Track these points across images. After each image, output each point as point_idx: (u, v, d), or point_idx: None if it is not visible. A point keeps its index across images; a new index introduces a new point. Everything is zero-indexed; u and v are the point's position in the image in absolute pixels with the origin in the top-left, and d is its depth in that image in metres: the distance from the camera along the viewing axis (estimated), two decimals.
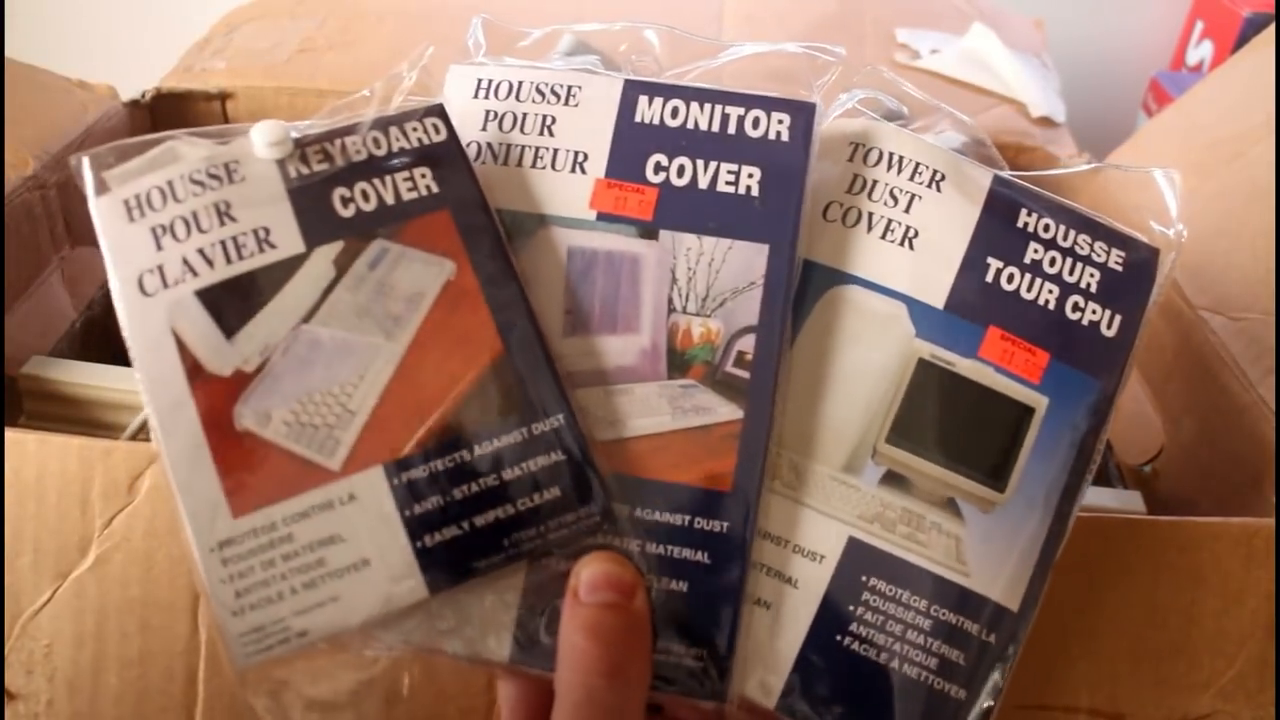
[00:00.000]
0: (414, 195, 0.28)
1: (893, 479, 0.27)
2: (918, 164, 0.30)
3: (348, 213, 0.27)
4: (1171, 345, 0.44)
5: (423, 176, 0.28)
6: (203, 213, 0.26)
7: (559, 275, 0.28)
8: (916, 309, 0.28)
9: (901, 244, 0.29)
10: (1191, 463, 0.42)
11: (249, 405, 0.25)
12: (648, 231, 0.29)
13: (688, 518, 0.26)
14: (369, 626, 0.25)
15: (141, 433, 0.39)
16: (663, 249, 0.28)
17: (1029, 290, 0.29)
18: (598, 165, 0.29)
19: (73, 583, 0.29)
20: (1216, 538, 0.31)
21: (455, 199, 0.28)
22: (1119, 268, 0.29)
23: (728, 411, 0.27)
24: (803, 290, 0.29)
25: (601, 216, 0.29)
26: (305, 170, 0.27)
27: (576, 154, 0.29)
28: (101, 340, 0.48)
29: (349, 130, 0.28)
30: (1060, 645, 0.29)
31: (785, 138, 0.29)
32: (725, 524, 0.26)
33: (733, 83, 0.31)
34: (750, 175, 0.29)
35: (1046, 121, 0.58)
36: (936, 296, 0.29)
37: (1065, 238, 0.29)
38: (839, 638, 0.27)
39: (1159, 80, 0.84)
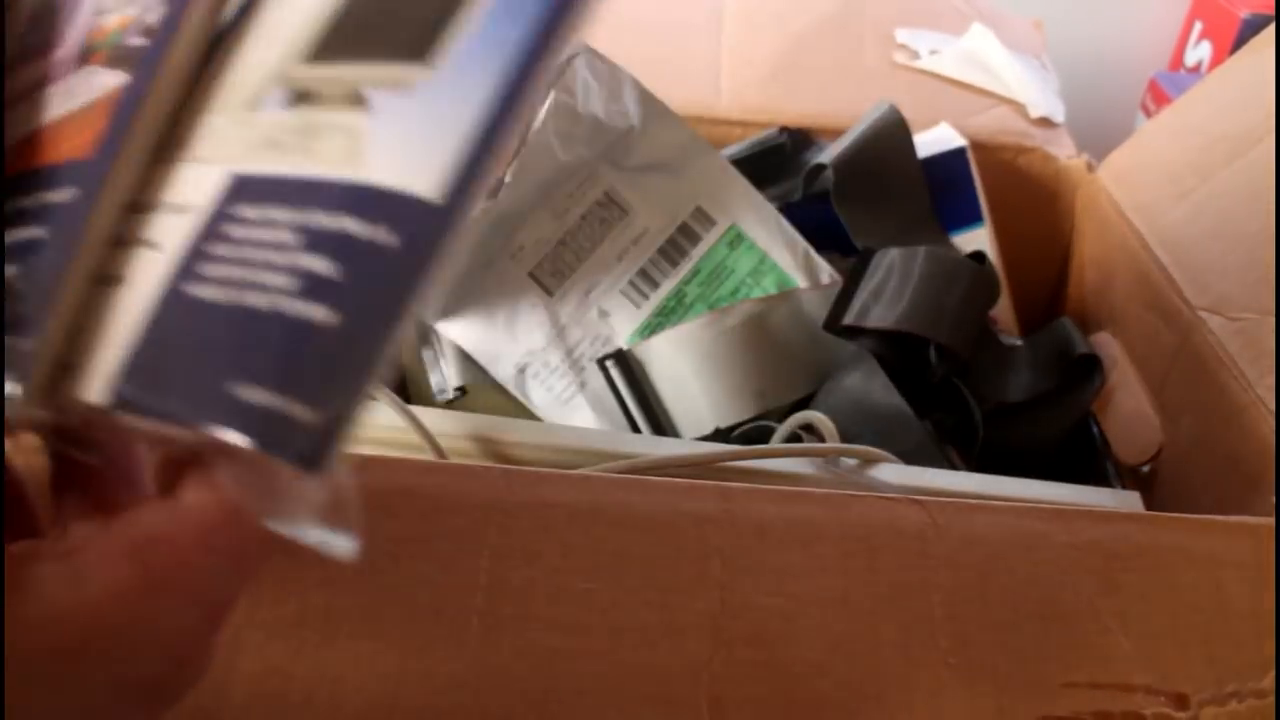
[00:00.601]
0: None
1: (301, 98, 0.22)
2: None
3: None
4: (1171, 345, 0.44)
5: None
6: None
7: None
8: None
9: None
10: (1191, 463, 0.42)
11: None
12: None
13: (38, 195, 0.22)
14: None
15: None
16: None
17: None
18: None
19: None
20: (1220, 532, 0.31)
21: None
22: None
23: (115, 81, 0.22)
24: None
25: None
26: None
27: None
28: None
29: None
30: (1096, 625, 0.29)
31: None
32: (71, 194, 0.21)
33: None
34: None
35: (1045, 122, 0.58)
36: None
37: None
38: (191, 293, 0.20)
39: (1158, 81, 0.84)
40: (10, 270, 0.22)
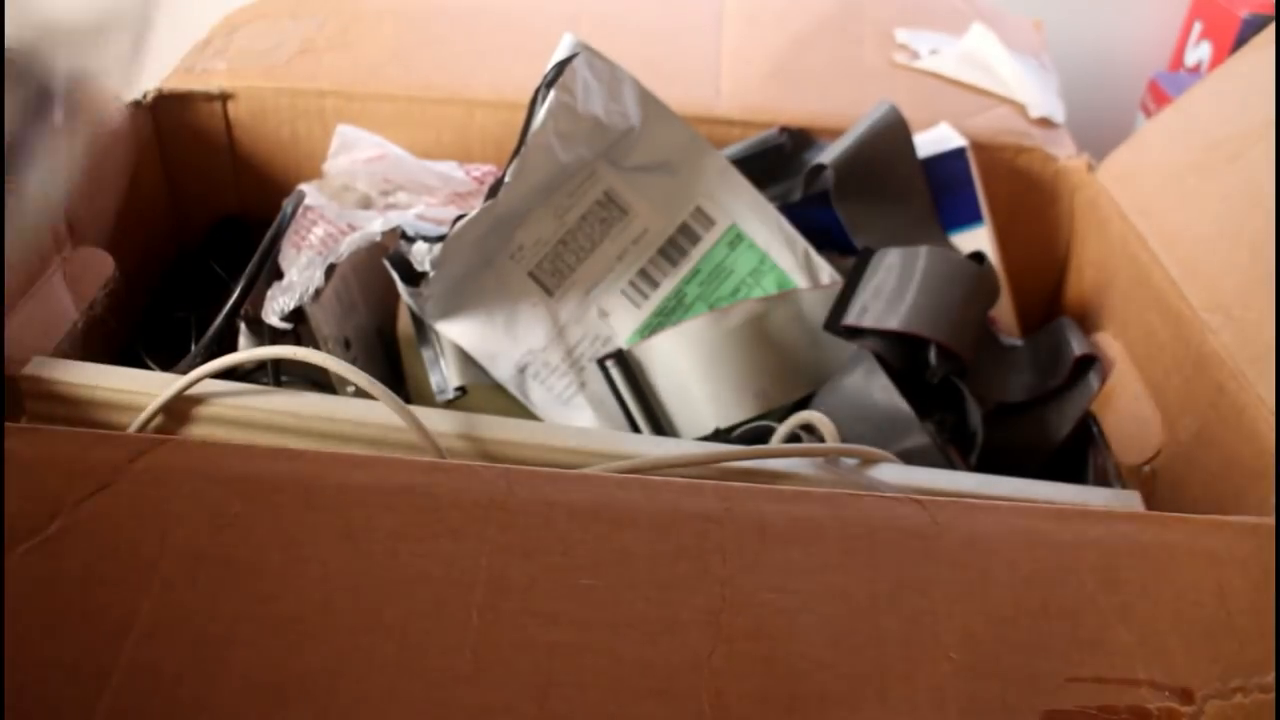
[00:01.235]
0: None
1: None
2: None
3: None
4: (1170, 345, 0.44)
5: None
6: None
7: None
8: None
9: None
10: (1191, 463, 0.42)
11: None
12: None
13: None
14: None
15: (147, 429, 0.39)
16: None
17: None
18: None
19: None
20: (1221, 531, 0.31)
21: None
22: None
23: None
24: None
25: None
26: None
27: None
28: (103, 341, 0.48)
29: None
30: (1099, 621, 0.29)
31: None
32: None
33: None
34: None
35: (1046, 122, 0.58)
36: None
37: None
38: None
39: (1157, 81, 0.84)
40: None
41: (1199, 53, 0.87)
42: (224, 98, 0.57)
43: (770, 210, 0.50)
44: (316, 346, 0.44)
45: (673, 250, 0.49)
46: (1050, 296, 0.59)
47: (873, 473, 0.39)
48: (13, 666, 0.26)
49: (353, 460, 0.31)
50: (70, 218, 0.46)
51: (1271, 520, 0.32)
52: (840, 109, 0.57)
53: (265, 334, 0.45)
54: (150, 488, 0.30)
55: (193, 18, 0.66)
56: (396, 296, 0.51)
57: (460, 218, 0.44)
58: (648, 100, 0.49)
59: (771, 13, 0.65)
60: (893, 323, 0.45)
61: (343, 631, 0.27)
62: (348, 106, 0.57)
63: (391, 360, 0.51)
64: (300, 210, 0.50)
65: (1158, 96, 0.83)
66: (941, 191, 0.54)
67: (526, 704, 0.26)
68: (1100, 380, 0.48)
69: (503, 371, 0.46)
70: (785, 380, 0.47)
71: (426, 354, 0.46)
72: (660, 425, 0.46)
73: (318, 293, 0.45)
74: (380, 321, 0.52)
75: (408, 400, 0.39)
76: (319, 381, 0.45)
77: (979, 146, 0.55)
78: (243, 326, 0.46)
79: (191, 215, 0.60)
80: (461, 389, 0.45)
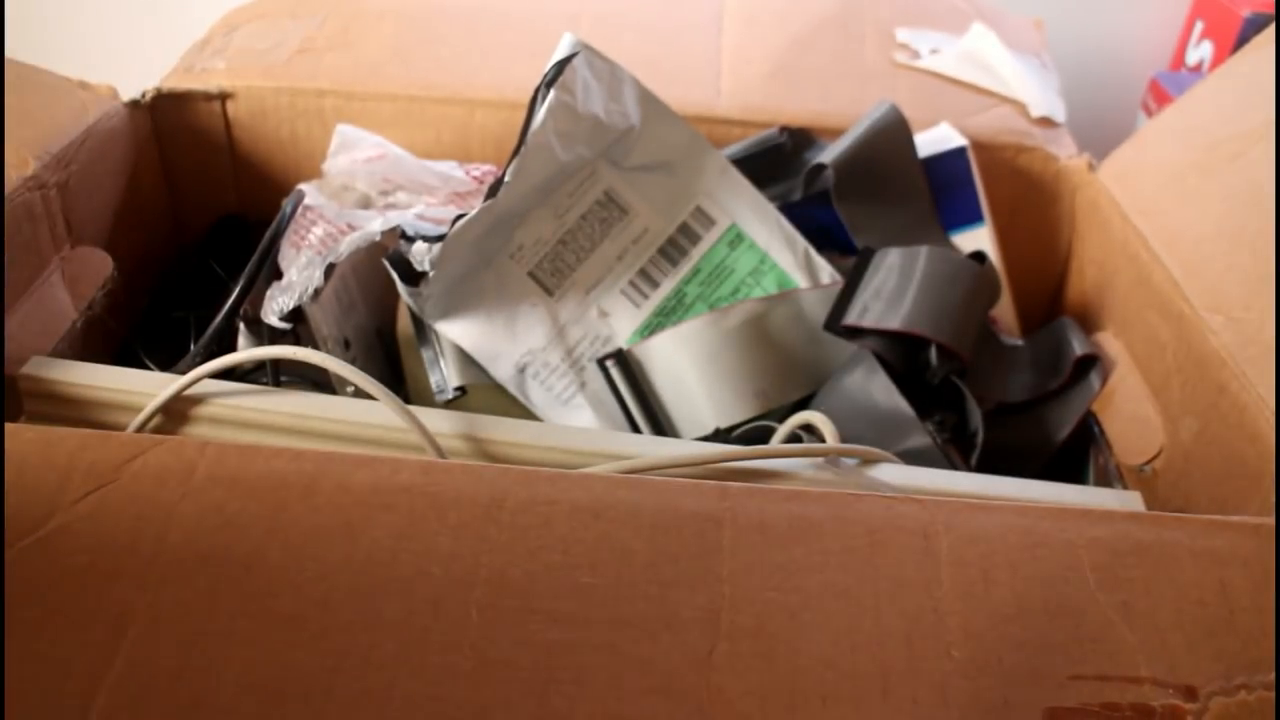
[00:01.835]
0: None
1: None
2: None
3: None
4: (1171, 345, 0.44)
5: None
6: None
7: None
8: None
9: None
10: (1191, 463, 0.42)
11: None
12: None
13: None
14: None
15: (145, 429, 0.39)
16: None
17: None
18: None
19: None
20: (1223, 531, 0.31)
21: None
22: None
23: None
24: None
25: None
26: None
27: None
28: (102, 340, 0.48)
29: None
30: (1101, 619, 0.29)
31: None
32: None
33: None
34: None
35: (1046, 121, 0.58)
36: None
37: None
38: None
39: (1159, 80, 0.84)
40: None
41: (1200, 52, 0.87)
42: (223, 97, 0.57)
43: (770, 210, 0.50)
44: (316, 346, 0.44)
45: (673, 250, 0.49)
46: (1051, 296, 0.59)
47: (873, 473, 0.39)
48: (11, 663, 0.26)
49: (353, 460, 0.31)
50: (69, 217, 0.46)
51: (1273, 520, 0.32)
52: (841, 108, 0.57)
53: (264, 334, 0.45)
54: (149, 487, 0.30)
55: (192, 17, 0.66)
56: (396, 296, 0.51)
57: (460, 217, 0.44)
58: (648, 100, 0.49)
59: (772, 12, 0.65)
60: (893, 323, 0.45)
61: (341, 629, 0.27)
62: (347, 106, 0.57)
63: (391, 360, 0.51)
64: (300, 210, 0.50)
65: (1159, 96, 0.83)
66: (942, 191, 0.54)
67: (526, 701, 0.26)
68: (1101, 380, 0.48)
69: (502, 371, 0.46)
70: (785, 380, 0.47)
71: (426, 354, 0.46)
72: (660, 425, 0.46)
73: (317, 293, 0.44)
74: (380, 321, 0.52)
75: (408, 400, 0.39)
76: (319, 381, 0.45)
77: (980, 146, 0.55)
78: (242, 326, 0.46)
79: (190, 215, 0.60)
80: (461, 389, 0.45)
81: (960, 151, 0.54)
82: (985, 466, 0.44)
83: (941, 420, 0.46)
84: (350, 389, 0.42)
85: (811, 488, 0.37)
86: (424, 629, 0.27)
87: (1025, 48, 0.64)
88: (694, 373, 0.46)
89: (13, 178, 0.42)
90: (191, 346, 0.46)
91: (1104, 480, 0.47)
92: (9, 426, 0.31)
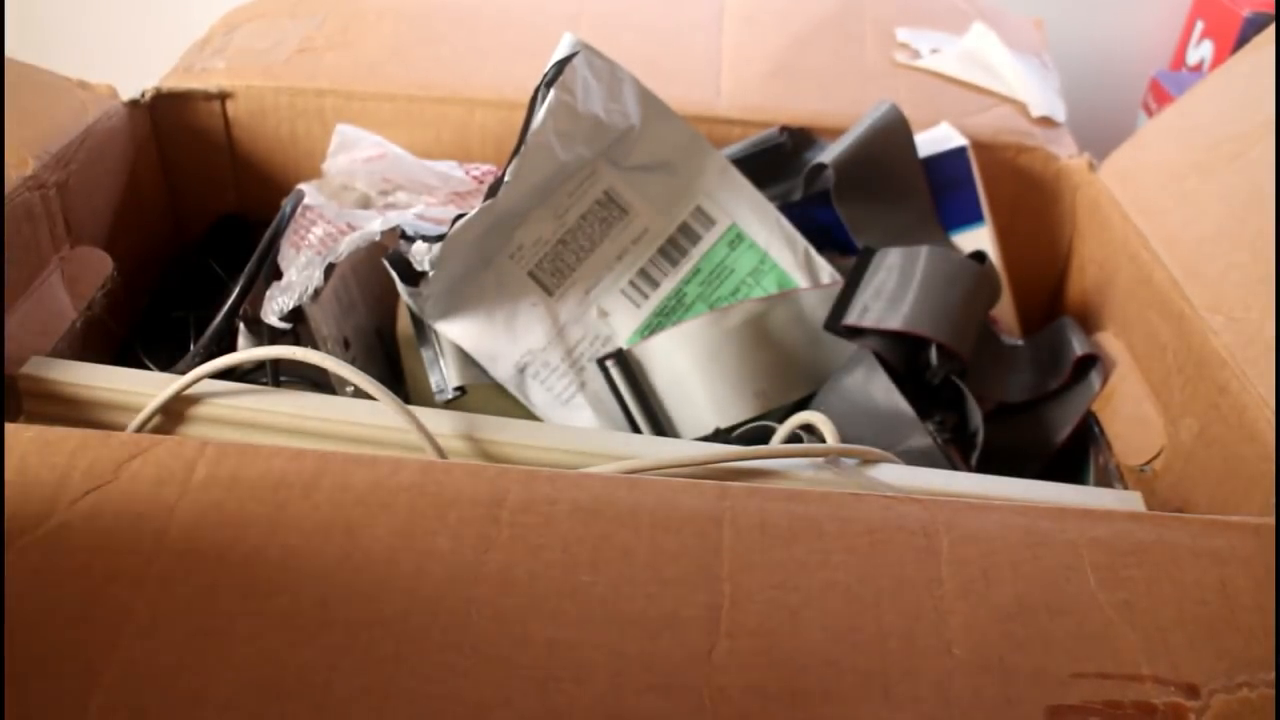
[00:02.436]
0: None
1: None
2: None
3: None
4: (1171, 345, 0.44)
5: None
6: None
7: None
8: None
9: None
10: (1191, 463, 0.42)
11: None
12: None
13: None
14: None
15: (145, 429, 0.39)
16: None
17: None
18: None
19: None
20: (1223, 531, 0.31)
21: None
22: None
23: None
24: None
25: None
26: None
27: None
28: (102, 340, 0.48)
29: None
30: (1102, 618, 0.29)
31: None
32: None
33: None
34: None
35: (1047, 121, 0.58)
36: None
37: None
38: None
39: (1159, 80, 0.84)
40: None
41: (1200, 52, 0.87)
42: (223, 97, 0.57)
43: (770, 209, 0.50)
44: (316, 346, 0.44)
45: (673, 250, 0.49)
46: (1051, 296, 0.59)
47: (873, 473, 0.39)
48: (10, 661, 0.26)
49: (352, 460, 0.31)
50: (68, 217, 0.46)
51: (1273, 521, 0.32)
52: (841, 108, 0.57)
53: (264, 334, 0.45)
54: (148, 486, 0.30)
55: (192, 18, 0.66)
56: (396, 296, 0.51)
57: (460, 217, 0.44)
58: (648, 99, 0.49)
59: (772, 12, 0.65)
60: (894, 323, 0.45)
61: (340, 627, 0.27)
62: (347, 105, 0.57)
63: (391, 360, 0.51)
64: (299, 210, 0.50)
65: (1159, 95, 0.83)
66: (942, 191, 0.54)
67: (526, 699, 0.26)
68: (1101, 380, 0.48)
69: (502, 371, 0.45)
70: (785, 380, 0.47)
71: (426, 354, 0.46)
72: (660, 425, 0.46)
73: (317, 292, 0.44)
74: (380, 321, 0.52)
75: (408, 400, 0.39)
76: (318, 381, 0.45)
77: (980, 146, 0.55)
78: (241, 326, 0.46)
79: (190, 215, 0.60)
80: (461, 389, 0.45)
81: (960, 151, 0.54)
82: (985, 466, 0.44)
83: (941, 420, 0.46)
84: (350, 389, 0.42)
85: (812, 488, 0.37)
86: (423, 627, 0.27)
87: (1025, 47, 0.64)
88: (694, 373, 0.46)
89: (12, 177, 0.42)
90: (191, 346, 0.46)
91: (1104, 480, 0.46)
92: (9, 426, 0.31)
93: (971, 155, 0.54)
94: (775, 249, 0.50)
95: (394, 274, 0.44)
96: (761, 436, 0.44)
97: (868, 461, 0.39)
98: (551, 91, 0.45)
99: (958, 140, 0.54)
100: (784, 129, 0.55)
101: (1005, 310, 0.53)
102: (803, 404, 0.47)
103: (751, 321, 0.47)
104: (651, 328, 0.48)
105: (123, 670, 0.26)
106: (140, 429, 0.39)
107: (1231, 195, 0.45)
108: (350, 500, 0.30)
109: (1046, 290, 0.59)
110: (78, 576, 0.28)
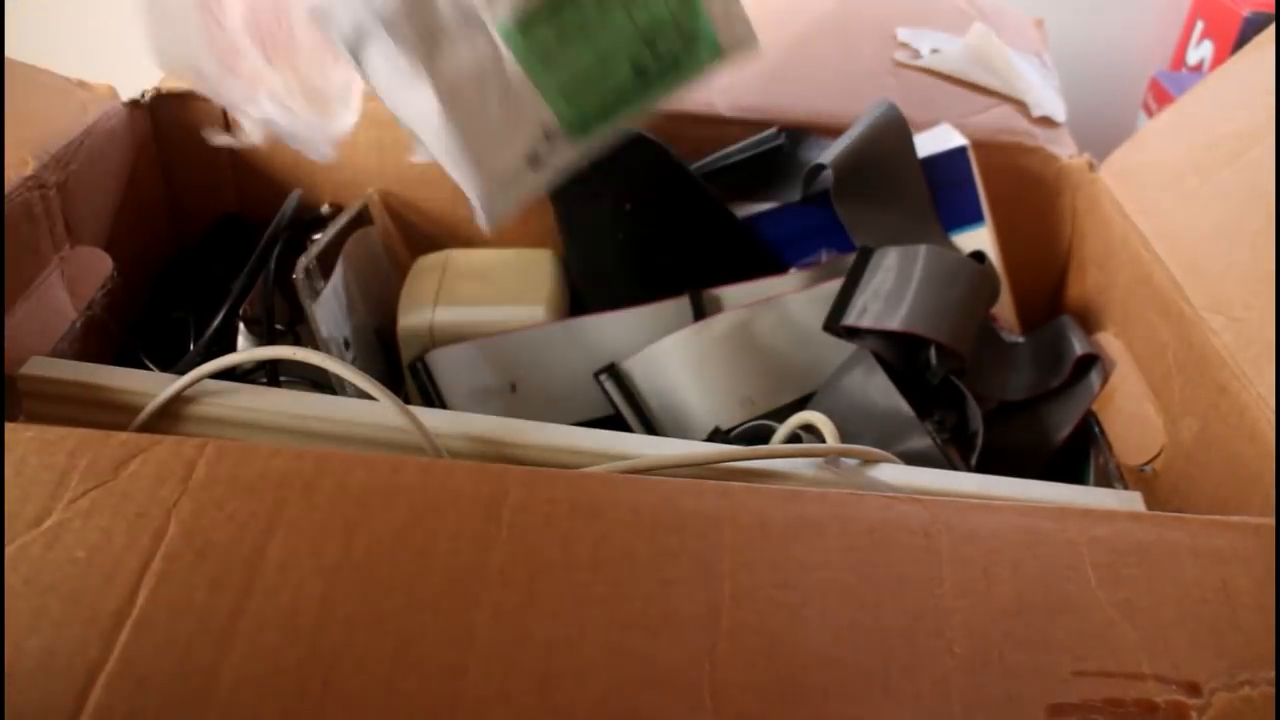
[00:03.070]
0: None
1: None
2: None
3: None
4: (1171, 345, 0.44)
5: None
6: None
7: None
8: None
9: None
10: (1191, 463, 0.42)
11: None
12: None
13: None
14: None
15: (145, 428, 0.39)
16: None
17: None
18: None
19: None
20: (1224, 531, 0.31)
21: None
22: None
23: None
24: None
25: None
26: None
27: None
28: (102, 340, 0.48)
29: None
30: (1103, 617, 0.29)
31: None
32: None
33: None
34: None
35: (1047, 121, 0.58)
36: None
37: None
38: None
39: (1159, 80, 0.84)
40: None
41: (1201, 51, 0.87)
42: None
43: None
44: (316, 346, 0.44)
45: None
46: (1051, 296, 0.59)
47: (873, 473, 0.39)
48: (9, 659, 0.26)
49: (352, 459, 0.31)
50: (68, 217, 0.46)
51: (1273, 521, 0.32)
52: (841, 108, 0.57)
53: (264, 334, 0.45)
54: (147, 486, 0.30)
55: None
56: (396, 296, 0.51)
57: None
58: None
59: (771, 12, 0.65)
60: (893, 323, 0.45)
61: (340, 625, 0.27)
62: None
63: (391, 360, 0.51)
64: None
65: (1159, 95, 0.83)
66: (942, 191, 0.54)
67: (526, 697, 0.26)
68: (1102, 380, 0.48)
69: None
70: (774, 386, 0.47)
71: None
72: (656, 435, 0.46)
73: (317, 293, 0.44)
74: (380, 321, 0.52)
75: (407, 400, 0.39)
76: (319, 381, 0.45)
77: (980, 145, 0.55)
78: (242, 326, 0.46)
79: (190, 215, 0.60)
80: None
81: (960, 151, 0.54)
82: (985, 466, 0.44)
83: (941, 420, 0.46)
84: (350, 389, 0.42)
85: (812, 488, 0.36)
86: (423, 626, 0.27)
87: (1026, 47, 0.64)
88: (681, 383, 0.46)
89: (12, 178, 0.42)
90: (191, 346, 0.46)
91: (1104, 480, 0.46)
92: (9, 426, 0.31)
93: (971, 155, 0.54)
94: None
95: None
96: (761, 436, 0.44)
97: (868, 461, 0.39)
98: None
99: (958, 140, 0.54)
100: (781, 129, 0.55)
101: (1005, 311, 0.53)
102: (802, 404, 0.47)
103: (737, 329, 0.47)
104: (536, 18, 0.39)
105: (121, 668, 0.26)
106: (140, 429, 0.39)
107: (1231, 195, 0.45)
108: (350, 500, 0.30)
109: (1046, 290, 0.59)
110: (76, 574, 0.28)
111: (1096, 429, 0.48)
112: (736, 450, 0.38)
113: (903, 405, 0.43)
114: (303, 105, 0.45)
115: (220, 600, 0.28)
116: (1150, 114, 0.85)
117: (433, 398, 0.48)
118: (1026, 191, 0.57)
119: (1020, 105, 0.59)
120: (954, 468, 0.42)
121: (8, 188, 0.42)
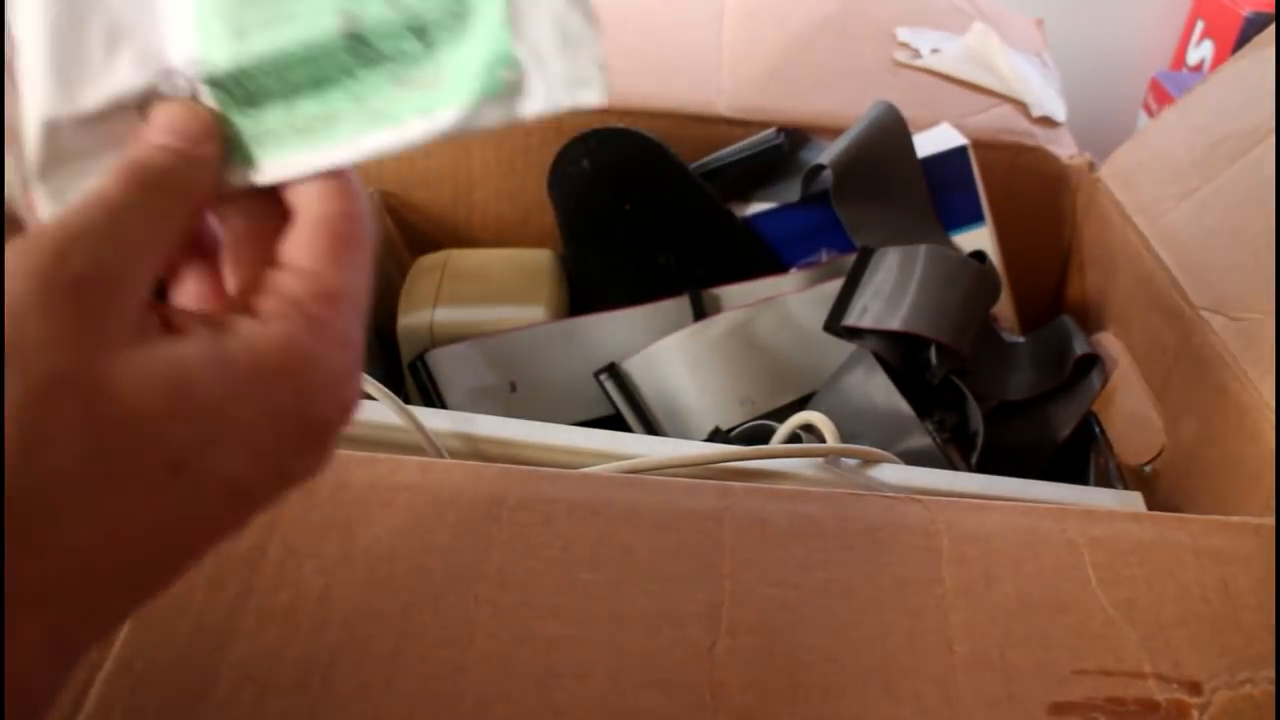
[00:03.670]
0: None
1: None
2: None
3: None
4: (1171, 345, 0.44)
5: None
6: None
7: None
8: None
9: None
10: (1191, 463, 0.42)
11: None
12: None
13: None
14: None
15: None
16: None
17: None
18: None
19: None
20: (1224, 531, 0.31)
21: None
22: None
23: None
24: None
25: None
26: None
27: None
28: None
29: None
30: (1104, 616, 0.29)
31: None
32: None
33: None
34: None
35: (1047, 121, 0.58)
36: None
37: None
38: None
39: (1159, 80, 0.84)
40: None
41: (1201, 51, 0.87)
42: None
43: None
44: None
45: None
46: (1051, 296, 0.59)
47: (873, 473, 0.39)
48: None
49: (352, 459, 0.31)
50: None
51: (1273, 521, 0.32)
52: (841, 108, 0.57)
53: None
54: None
55: None
56: (396, 296, 0.51)
57: None
58: None
59: (772, 11, 0.65)
60: (893, 323, 0.45)
61: (340, 623, 0.27)
62: None
63: (391, 360, 0.51)
64: None
65: (1160, 95, 0.83)
66: (943, 191, 0.54)
67: (526, 695, 0.26)
68: (1102, 380, 0.48)
69: None
70: (773, 386, 0.47)
71: None
72: (656, 435, 0.46)
73: None
74: (380, 321, 0.52)
75: (407, 400, 0.39)
76: None
77: (980, 145, 0.55)
78: None
79: None
80: None
81: (961, 151, 0.54)
82: (986, 466, 0.44)
83: (942, 420, 0.46)
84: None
85: (812, 487, 0.36)
86: (423, 624, 0.27)
87: (1026, 47, 0.64)
88: (680, 384, 0.46)
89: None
90: None
91: (1104, 480, 0.46)
92: None
93: (971, 155, 0.54)
94: None
95: None
96: (761, 436, 0.44)
97: (868, 461, 0.39)
98: None
99: (958, 140, 0.54)
100: (780, 130, 0.55)
101: (1005, 310, 0.53)
102: (802, 404, 0.47)
103: (737, 329, 0.47)
104: None
105: (120, 665, 0.26)
106: None
107: (1232, 194, 0.45)
108: (349, 499, 0.30)
109: (1046, 290, 0.59)
110: None
111: (1097, 429, 0.48)
112: (736, 450, 0.38)
113: (903, 405, 0.43)
114: None
115: (219, 599, 0.28)
116: (1150, 114, 0.85)
117: (433, 397, 0.48)
118: (1026, 191, 0.57)
119: (1020, 105, 0.59)
120: (954, 468, 0.42)
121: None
